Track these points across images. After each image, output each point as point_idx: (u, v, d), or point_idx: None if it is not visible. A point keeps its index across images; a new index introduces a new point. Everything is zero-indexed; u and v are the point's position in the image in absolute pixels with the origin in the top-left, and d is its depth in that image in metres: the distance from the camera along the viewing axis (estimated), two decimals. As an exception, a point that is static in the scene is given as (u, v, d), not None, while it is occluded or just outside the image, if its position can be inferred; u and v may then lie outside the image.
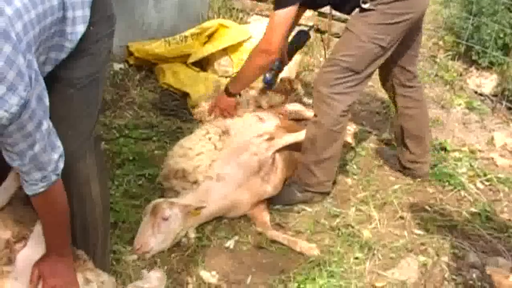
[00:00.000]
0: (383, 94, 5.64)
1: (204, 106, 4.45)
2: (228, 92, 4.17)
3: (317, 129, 3.94)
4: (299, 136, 4.09)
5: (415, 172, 4.48)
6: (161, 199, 3.68)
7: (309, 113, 4.28)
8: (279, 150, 4.06)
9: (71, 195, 2.74)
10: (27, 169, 2.27)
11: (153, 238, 3.50)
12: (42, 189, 2.36)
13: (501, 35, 5.85)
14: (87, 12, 2.41)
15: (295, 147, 4.13)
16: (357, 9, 3.81)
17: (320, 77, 3.94)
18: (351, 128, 4.38)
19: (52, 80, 2.49)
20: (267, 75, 4.40)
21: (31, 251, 2.71)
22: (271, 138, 4.06)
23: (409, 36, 3.97)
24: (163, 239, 3.53)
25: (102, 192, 2.93)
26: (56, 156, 2.32)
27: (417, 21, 3.91)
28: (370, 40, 3.75)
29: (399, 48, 3.95)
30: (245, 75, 4.10)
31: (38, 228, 2.75)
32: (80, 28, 2.41)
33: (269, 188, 4.00)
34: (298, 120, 4.36)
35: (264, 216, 3.91)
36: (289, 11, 3.74)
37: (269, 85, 4.47)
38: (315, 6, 4.68)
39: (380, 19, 3.73)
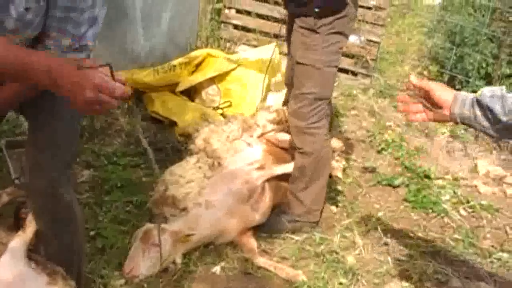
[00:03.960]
0: (367, 123, 5.76)
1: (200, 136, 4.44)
2: None
3: (305, 159, 4.01)
4: (289, 167, 4.16)
5: None
6: (152, 225, 3.72)
7: None
8: (268, 179, 4.12)
9: (56, 220, 2.82)
10: None
11: (143, 262, 3.54)
12: None
13: (484, 65, 5.98)
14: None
15: (283, 176, 4.20)
16: (299, 34, 3.88)
17: (294, 113, 3.99)
18: (341, 164, 4.43)
19: (37, 111, 2.58)
20: None
21: (4, 265, 2.81)
22: (261, 167, 4.12)
23: None
24: (152, 264, 3.57)
25: (82, 217, 3.00)
26: None
27: None
28: (325, 65, 3.83)
29: None
30: None
31: (12, 245, 2.84)
32: None
33: (258, 216, 4.04)
34: (284, 149, 4.42)
35: (251, 242, 3.94)
36: None
37: None
38: None
39: (325, 42, 3.80)
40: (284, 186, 4.22)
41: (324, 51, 3.81)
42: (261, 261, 3.81)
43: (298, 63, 3.91)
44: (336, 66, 3.92)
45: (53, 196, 2.75)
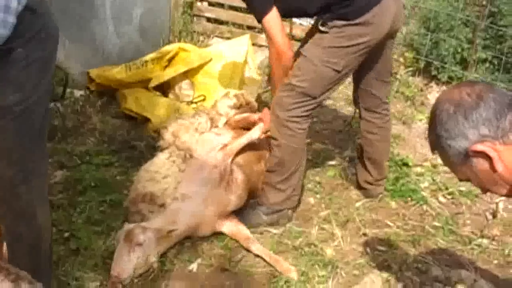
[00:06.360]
0: (344, 112, 5.72)
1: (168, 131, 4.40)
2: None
3: (282, 151, 3.94)
4: (252, 135, 4.13)
5: (369, 192, 4.51)
6: (132, 225, 3.66)
7: (255, 116, 4.32)
8: (235, 160, 4.08)
9: (17, 218, 2.75)
10: None
11: (130, 264, 3.48)
12: None
13: (459, 50, 5.94)
14: (11, 19, 2.36)
15: (253, 158, 4.18)
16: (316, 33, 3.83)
17: (278, 102, 3.90)
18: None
19: None
20: None
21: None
22: (224, 147, 4.07)
23: (372, 60, 3.98)
24: (139, 264, 3.51)
25: (48, 216, 2.94)
26: None
27: (378, 46, 3.85)
28: (323, 63, 3.73)
29: (363, 71, 3.98)
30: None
31: None
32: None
33: (233, 197, 3.99)
34: (249, 129, 4.34)
35: (242, 231, 3.93)
36: (272, 14, 3.70)
37: None
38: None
39: (332, 43, 3.71)
40: (255, 168, 4.21)
41: (327, 50, 3.73)
42: (259, 248, 3.80)
43: (300, 53, 3.86)
44: (335, 70, 3.75)
45: (11, 195, 2.69)
